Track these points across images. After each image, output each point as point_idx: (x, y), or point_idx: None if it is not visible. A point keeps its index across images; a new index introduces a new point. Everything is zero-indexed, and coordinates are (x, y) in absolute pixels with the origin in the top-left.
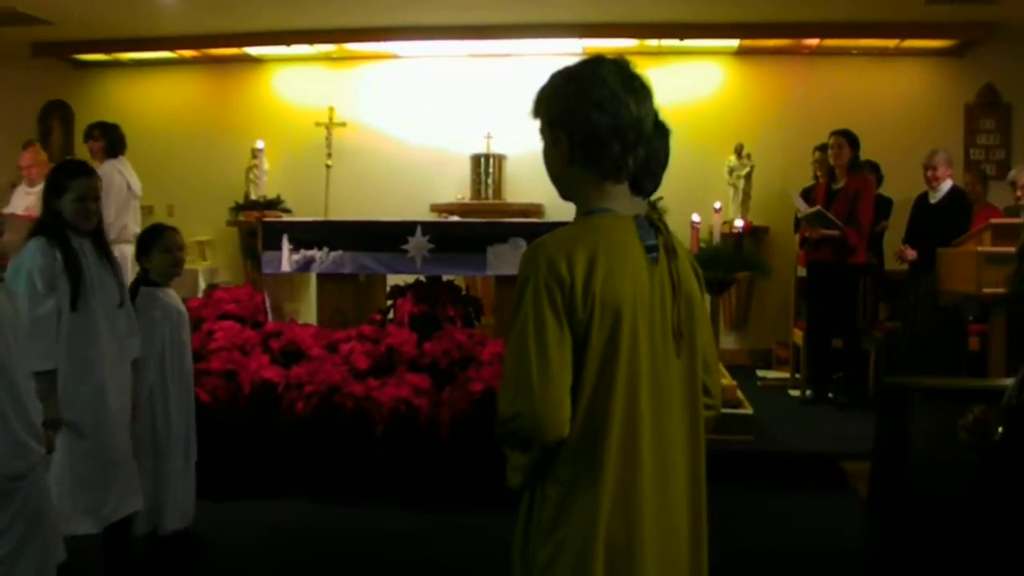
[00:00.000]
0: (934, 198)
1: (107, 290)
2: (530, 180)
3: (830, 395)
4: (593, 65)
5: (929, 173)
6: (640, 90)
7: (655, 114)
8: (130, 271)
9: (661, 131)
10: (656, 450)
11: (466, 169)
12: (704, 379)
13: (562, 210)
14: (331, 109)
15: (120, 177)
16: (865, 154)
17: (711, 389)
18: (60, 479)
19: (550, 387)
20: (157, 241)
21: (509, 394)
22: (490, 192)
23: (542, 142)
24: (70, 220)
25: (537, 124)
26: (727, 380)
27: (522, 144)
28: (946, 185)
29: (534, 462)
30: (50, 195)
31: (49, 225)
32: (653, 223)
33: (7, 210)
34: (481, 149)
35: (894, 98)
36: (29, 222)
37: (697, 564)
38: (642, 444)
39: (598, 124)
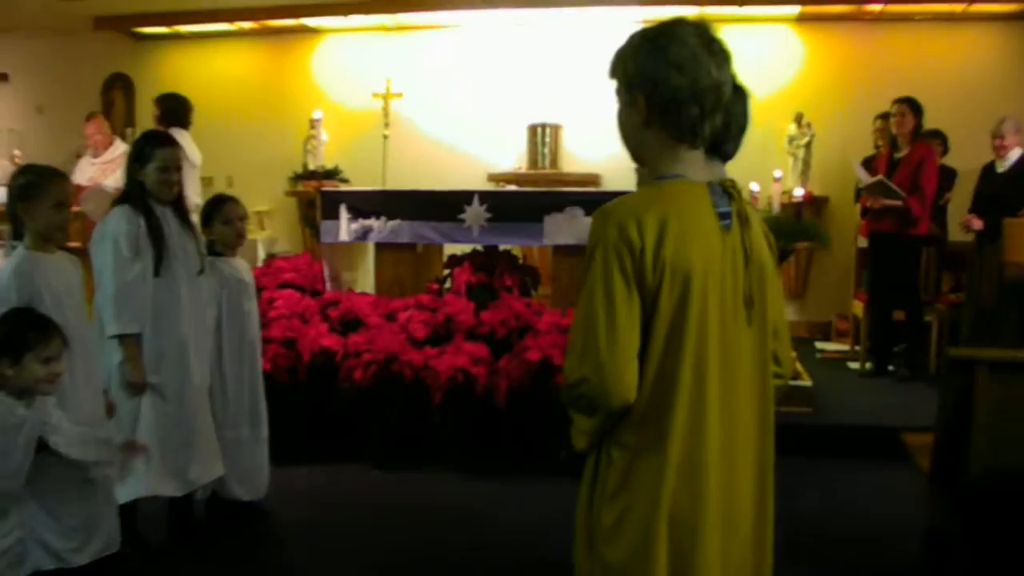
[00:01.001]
0: (1002, 167)
1: (188, 257)
2: (587, 150)
3: (890, 368)
4: (673, 26)
5: (997, 142)
6: (720, 54)
7: (733, 78)
8: None
9: (740, 94)
10: (723, 419)
11: (523, 139)
12: (774, 348)
13: (619, 180)
14: (388, 79)
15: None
16: (929, 123)
17: (781, 358)
18: (145, 442)
19: (617, 352)
20: (218, 212)
21: (575, 358)
22: (547, 162)
23: (617, 103)
24: (152, 189)
25: (613, 85)
26: None
27: (579, 113)
28: (1014, 154)
29: (599, 426)
30: (134, 164)
31: (133, 194)
32: (726, 190)
33: (73, 181)
34: (538, 119)
35: (960, 64)
36: (107, 192)
37: (760, 537)
38: (709, 413)
39: (677, 86)
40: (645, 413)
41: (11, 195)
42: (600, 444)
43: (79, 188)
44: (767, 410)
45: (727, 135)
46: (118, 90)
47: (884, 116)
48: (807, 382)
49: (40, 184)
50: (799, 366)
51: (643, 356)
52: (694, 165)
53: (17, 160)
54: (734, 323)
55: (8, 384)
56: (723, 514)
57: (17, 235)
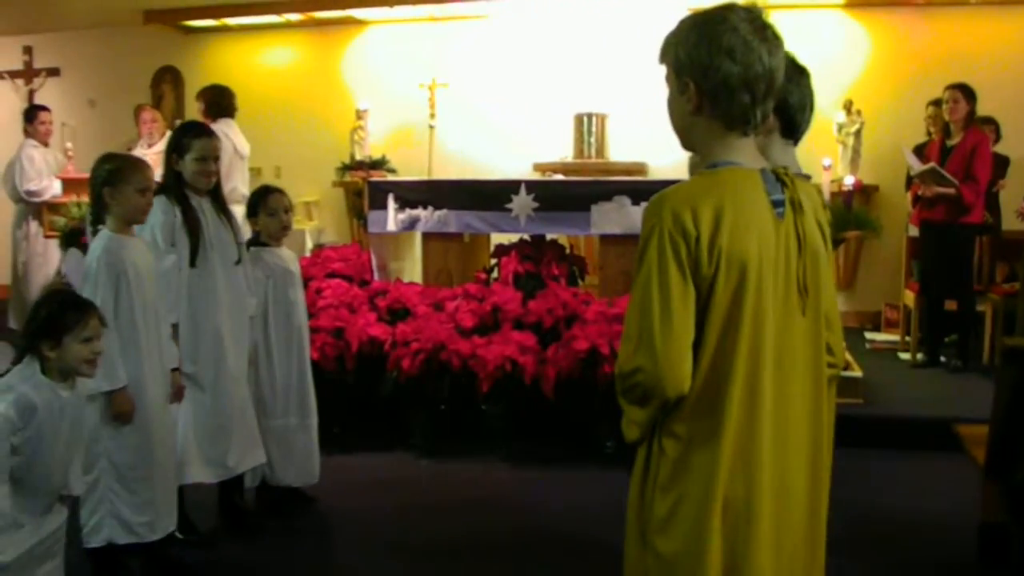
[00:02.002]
0: None
1: (225, 248)
2: (633, 139)
3: (942, 359)
4: (724, 11)
5: None
6: (772, 40)
7: (793, 58)
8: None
9: (804, 73)
10: (777, 410)
11: (569, 128)
12: (827, 337)
13: (665, 169)
14: (434, 70)
15: (226, 139)
16: (982, 109)
17: (833, 348)
18: (183, 430)
19: (672, 342)
20: (263, 203)
21: (630, 348)
22: (593, 151)
23: (667, 89)
24: (190, 180)
25: (663, 71)
26: None
27: (625, 103)
28: None
29: (652, 417)
30: (172, 155)
31: (170, 184)
32: (779, 177)
33: None
34: (584, 108)
35: (1014, 50)
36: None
37: (814, 530)
38: (763, 403)
39: (728, 73)
40: (699, 403)
41: (96, 180)
42: (652, 435)
43: None
44: (821, 402)
45: (803, 115)
46: (167, 83)
47: (936, 103)
48: (857, 373)
49: (124, 170)
50: (849, 356)
51: (698, 346)
52: (745, 152)
53: (70, 153)
54: (788, 313)
55: (50, 366)
56: (776, 506)
57: (96, 219)
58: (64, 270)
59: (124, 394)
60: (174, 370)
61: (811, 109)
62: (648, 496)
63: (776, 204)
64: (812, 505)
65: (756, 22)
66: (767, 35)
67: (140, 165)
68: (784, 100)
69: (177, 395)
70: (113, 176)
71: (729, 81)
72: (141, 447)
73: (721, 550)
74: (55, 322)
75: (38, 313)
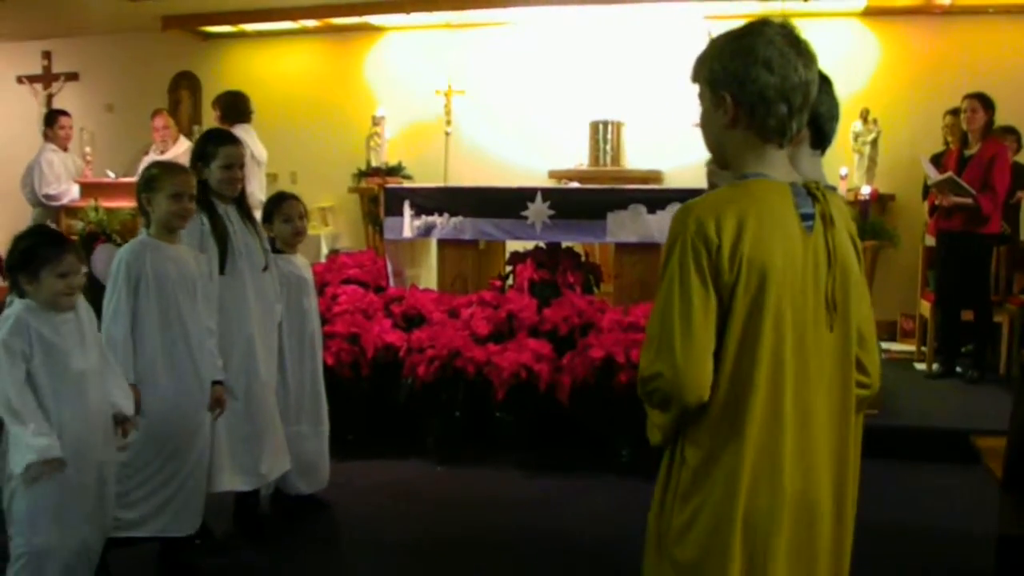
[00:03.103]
0: None
1: (253, 254)
2: (649, 147)
3: (958, 369)
4: (760, 26)
5: None
6: (807, 53)
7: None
8: None
9: (827, 83)
10: (799, 422)
11: (584, 136)
12: (860, 355)
13: (681, 177)
14: (450, 77)
15: (243, 145)
16: (1001, 119)
17: (867, 366)
18: (215, 438)
19: (692, 349)
20: (277, 210)
21: (651, 354)
22: (608, 159)
23: (700, 106)
24: (216, 187)
25: (695, 89)
26: None
27: (641, 110)
28: None
29: (673, 422)
30: (197, 162)
31: (196, 192)
32: (811, 191)
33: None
34: (600, 115)
35: None
36: None
37: (838, 546)
38: (786, 415)
39: (766, 84)
40: (721, 412)
41: (137, 187)
42: (675, 443)
43: None
44: (848, 419)
45: (832, 125)
46: (185, 89)
47: (954, 112)
48: None
49: (160, 176)
50: None
51: (719, 353)
52: (779, 165)
53: (88, 158)
54: (814, 326)
55: (32, 299)
56: (797, 521)
57: (147, 224)
58: (93, 264)
59: (135, 390)
60: (216, 383)
61: (837, 119)
62: (668, 504)
63: (805, 218)
64: (837, 522)
65: (790, 36)
66: (802, 48)
67: (175, 172)
68: (815, 110)
69: (217, 406)
70: (150, 183)
71: (766, 92)
72: (143, 448)
73: (740, 561)
74: (31, 255)
75: (16, 247)
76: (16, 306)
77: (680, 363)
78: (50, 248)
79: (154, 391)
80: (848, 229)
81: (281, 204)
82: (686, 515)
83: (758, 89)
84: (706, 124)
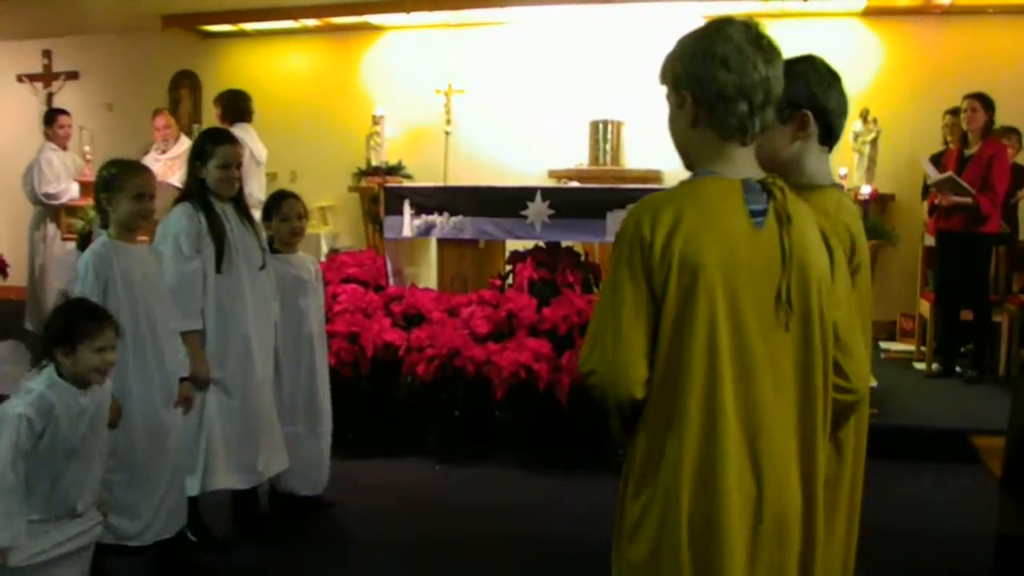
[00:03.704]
0: None
1: (250, 253)
2: (648, 146)
3: (957, 369)
4: (720, 24)
5: None
6: (768, 49)
7: (827, 64)
8: None
9: (837, 78)
10: (746, 424)
11: (584, 134)
12: (839, 359)
13: (680, 176)
14: (450, 76)
15: (242, 144)
16: (1001, 119)
17: (848, 371)
18: (211, 436)
19: (621, 347)
20: (276, 209)
21: (586, 350)
22: (608, 158)
23: (668, 108)
24: (213, 186)
25: (664, 91)
26: None
27: (641, 110)
28: None
29: (616, 419)
30: (195, 161)
31: (194, 191)
32: (767, 187)
33: None
34: (599, 115)
35: None
36: (172, 189)
37: (809, 552)
38: (725, 415)
39: (724, 82)
40: (655, 410)
41: (96, 186)
42: (629, 440)
43: None
44: (814, 421)
45: (841, 121)
46: (185, 87)
47: (954, 112)
48: (872, 382)
49: (120, 176)
50: None
51: (654, 351)
52: (738, 163)
53: (88, 157)
54: (762, 324)
55: (64, 372)
56: (758, 528)
57: (103, 223)
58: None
59: (115, 402)
60: (183, 379)
61: (846, 116)
62: (621, 503)
63: (755, 214)
64: (807, 526)
65: (751, 32)
66: (763, 44)
67: (137, 171)
68: (824, 106)
69: (185, 404)
70: (110, 182)
71: (725, 90)
72: (123, 453)
73: (691, 564)
74: (71, 329)
75: (56, 319)
76: (40, 382)
77: (611, 361)
78: (91, 322)
79: (128, 395)
80: (821, 228)
81: (280, 203)
82: (636, 512)
83: (717, 88)
84: (672, 125)
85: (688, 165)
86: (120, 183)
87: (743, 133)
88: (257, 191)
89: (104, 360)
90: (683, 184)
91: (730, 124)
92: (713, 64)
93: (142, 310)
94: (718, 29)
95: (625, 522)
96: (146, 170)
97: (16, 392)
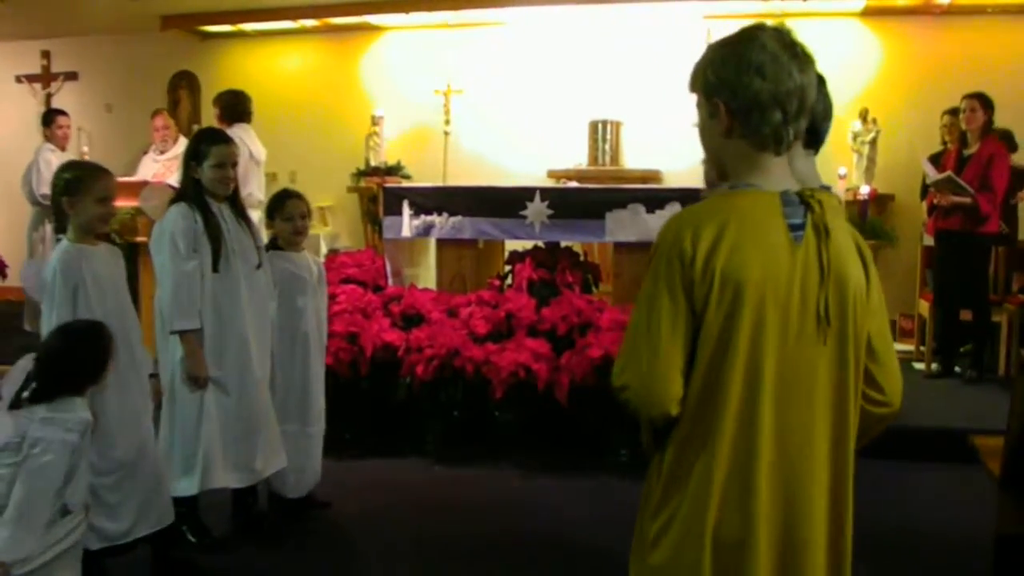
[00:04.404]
0: None
1: (246, 252)
2: (647, 146)
3: (957, 369)
4: (753, 31)
5: None
6: (802, 56)
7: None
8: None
9: (823, 81)
10: (780, 440)
11: (583, 135)
12: (874, 372)
13: (680, 176)
14: (449, 76)
15: (241, 144)
16: (999, 120)
17: (883, 384)
18: (209, 435)
19: (657, 364)
20: (280, 208)
21: (620, 365)
22: (607, 158)
23: (698, 116)
24: (209, 186)
25: (694, 99)
26: None
27: (640, 110)
28: None
29: (647, 432)
30: (190, 162)
31: (189, 191)
32: (804, 200)
33: (136, 177)
34: (598, 115)
35: None
36: (170, 190)
37: (837, 566)
38: (761, 432)
39: (758, 90)
40: (691, 427)
41: (55, 190)
42: (656, 453)
43: (141, 184)
44: (846, 431)
45: (826, 125)
46: (184, 88)
47: (952, 112)
48: None
49: (83, 179)
50: None
51: (691, 367)
52: (774, 173)
53: (86, 158)
54: (801, 339)
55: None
56: (781, 541)
57: (60, 228)
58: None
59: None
60: (152, 376)
61: (831, 119)
62: (645, 513)
63: (794, 228)
64: (833, 542)
65: (785, 40)
66: (797, 51)
67: (100, 174)
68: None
69: (154, 399)
70: (71, 186)
71: (759, 98)
72: (104, 455)
73: (711, 574)
74: (73, 183)
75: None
76: (77, 407)
77: (646, 377)
78: (86, 171)
79: (102, 398)
80: (854, 237)
81: (284, 203)
82: (658, 525)
83: (751, 96)
84: (703, 134)
85: (721, 174)
86: (83, 186)
87: (777, 143)
88: (257, 191)
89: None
90: (721, 197)
91: (764, 133)
92: (747, 72)
93: (113, 310)
94: (751, 36)
95: (649, 531)
96: (108, 173)
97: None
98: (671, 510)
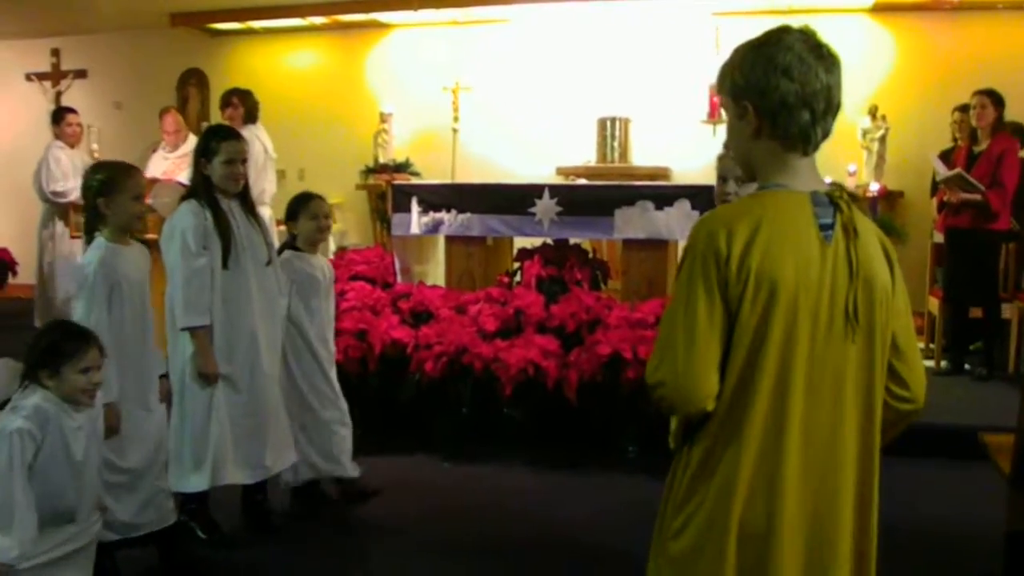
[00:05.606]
0: None
1: (256, 249)
2: (656, 143)
3: (967, 367)
4: (779, 33)
5: None
6: (828, 58)
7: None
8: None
9: None
10: (808, 436)
11: (592, 132)
12: (899, 369)
13: (688, 173)
14: (457, 74)
15: (258, 143)
16: (1009, 115)
17: (908, 381)
18: (219, 431)
19: (694, 361)
20: (304, 208)
21: (655, 362)
22: (616, 155)
23: (727, 117)
24: (218, 183)
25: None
26: None
27: (648, 107)
28: None
29: (680, 428)
30: (200, 158)
31: (199, 188)
32: (833, 200)
33: (146, 175)
34: (607, 112)
35: None
36: (180, 187)
37: (861, 566)
38: (790, 427)
39: (786, 91)
40: (722, 421)
41: (89, 191)
42: (680, 449)
43: (151, 181)
44: (872, 428)
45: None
46: (193, 85)
47: (963, 108)
48: None
49: (117, 179)
50: None
51: (726, 364)
52: (802, 174)
53: (96, 155)
54: (831, 338)
55: (51, 394)
56: (807, 537)
57: (90, 228)
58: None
59: (114, 408)
60: (163, 376)
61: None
62: (668, 508)
63: (824, 228)
64: (859, 540)
65: (811, 41)
66: (823, 53)
67: (132, 172)
68: None
69: (164, 398)
70: (107, 186)
71: (787, 99)
72: (117, 452)
73: (735, 565)
74: (54, 351)
75: (38, 343)
76: (34, 397)
77: (681, 374)
78: (75, 343)
79: (123, 396)
80: (880, 238)
81: (308, 203)
82: (681, 519)
83: (779, 97)
84: (732, 136)
85: (750, 175)
86: (118, 186)
87: (805, 143)
88: (269, 188)
89: (90, 381)
90: (753, 197)
91: (792, 134)
92: (775, 73)
93: (137, 310)
94: (778, 39)
95: (673, 524)
96: (138, 170)
97: (7, 411)
98: (696, 503)
